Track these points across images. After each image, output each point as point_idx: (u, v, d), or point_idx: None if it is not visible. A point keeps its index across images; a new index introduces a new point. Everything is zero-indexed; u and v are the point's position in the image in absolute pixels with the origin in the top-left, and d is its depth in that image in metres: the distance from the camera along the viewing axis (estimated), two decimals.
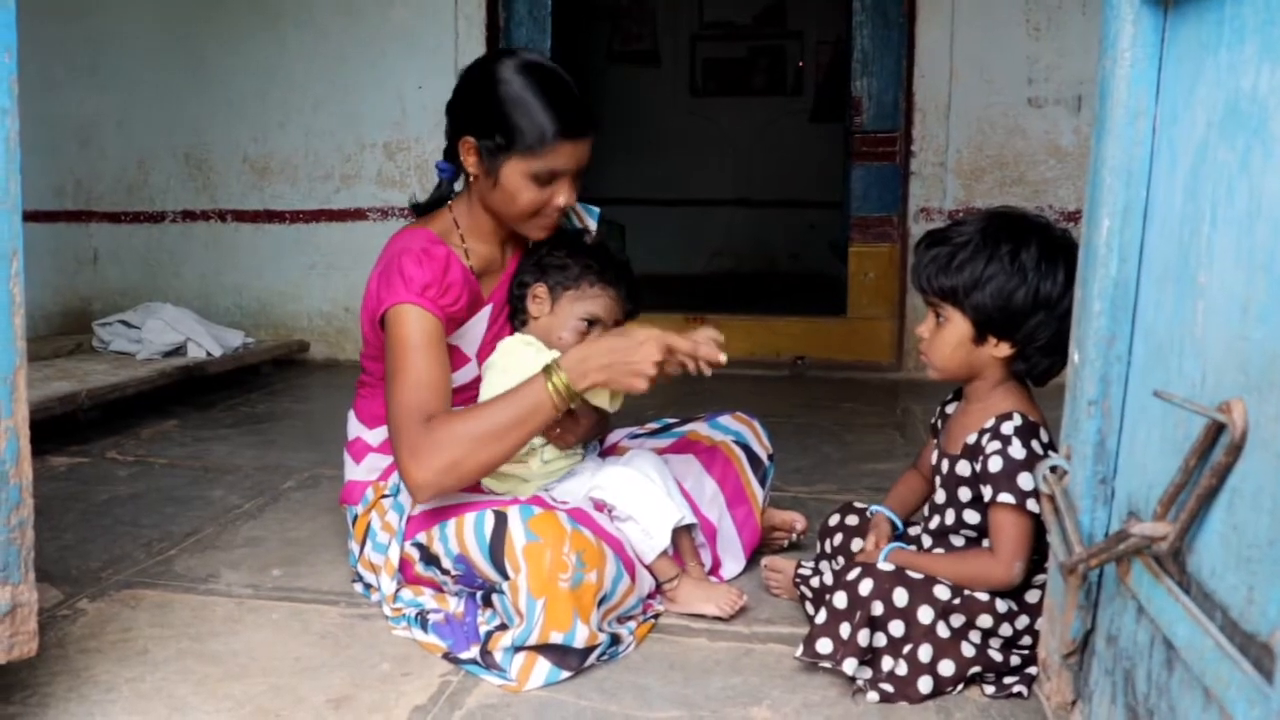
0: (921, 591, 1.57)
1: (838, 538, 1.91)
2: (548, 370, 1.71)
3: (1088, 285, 1.22)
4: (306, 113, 4.83)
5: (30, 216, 4.87)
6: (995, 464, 1.58)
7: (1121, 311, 1.18)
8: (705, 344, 1.74)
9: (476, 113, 1.84)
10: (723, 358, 1.73)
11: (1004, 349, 1.62)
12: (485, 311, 1.97)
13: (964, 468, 1.65)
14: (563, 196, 1.85)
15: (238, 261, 4.98)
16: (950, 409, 1.80)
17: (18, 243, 1.31)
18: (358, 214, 4.77)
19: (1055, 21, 4.28)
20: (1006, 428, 1.59)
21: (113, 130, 5.03)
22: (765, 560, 1.99)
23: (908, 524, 1.88)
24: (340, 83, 4.77)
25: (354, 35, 4.74)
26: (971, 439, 1.64)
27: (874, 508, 1.90)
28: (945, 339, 1.65)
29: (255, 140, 4.90)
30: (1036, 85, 4.34)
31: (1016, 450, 1.57)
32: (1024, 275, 1.57)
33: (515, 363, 1.85)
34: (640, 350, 1.70)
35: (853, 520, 1.92)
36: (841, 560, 1.87)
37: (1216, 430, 0.90)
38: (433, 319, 1.78)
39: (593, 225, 2.11)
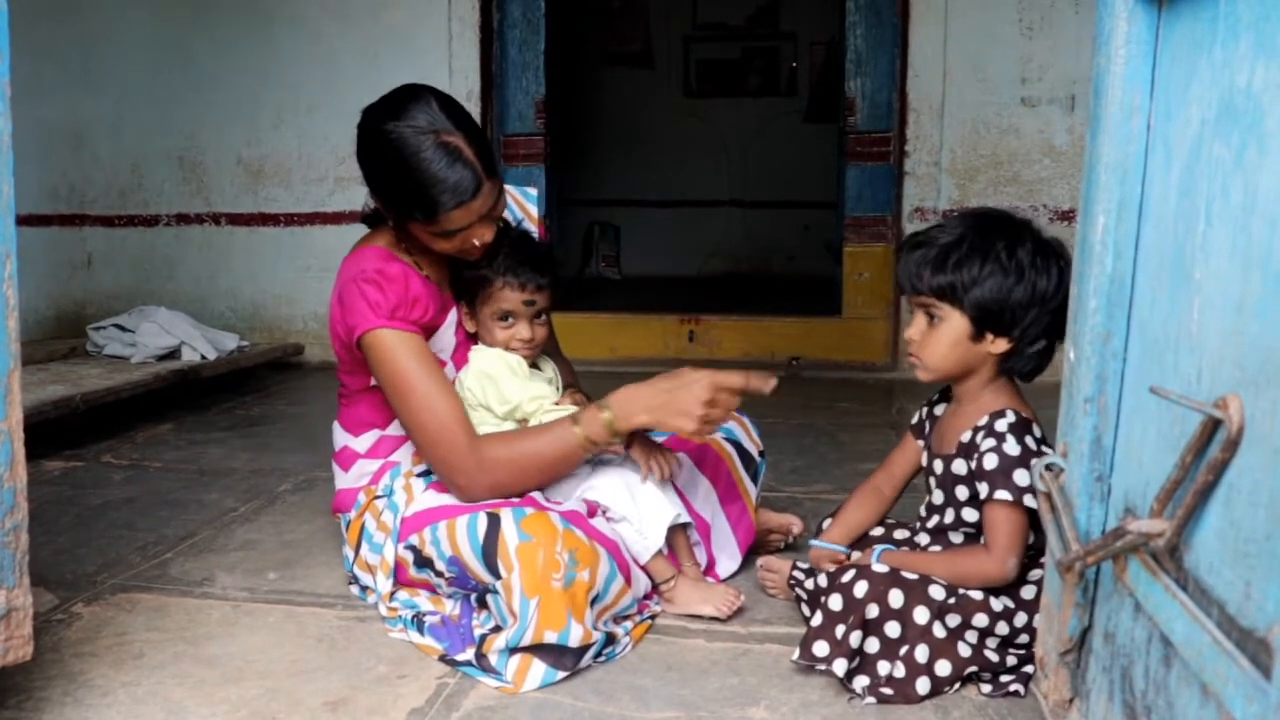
0: (917, 592, 1.57)
1: None
2: (583, 414, 1.79)
3: (1083, 282, 1.22)
4: (300, 115, 4.83)
5: (23, 220, 4.86)
6: (991, 461, 1.58)
7: (1117, 308, 1.19)
8: (756, 377, 1.78)
9: (371, 179, 1.86)
10: (769, 387, 1.77)
11: (1001, 345, 1.63)
12: (452, 316, 1.98)
13: (959, 466, 1.66)
14: (478, 239, 1.84)
15: (232, 265, 4.97)
16: (939, 410, 1.81)
17: (11, 246, 1.31)
18: (352, 216, 4.72)
19: (1048, 20, 4.29)
20: (1000, 425, 1.60)
21: (106, 133, 5.02)
22: (761, 560, 1.99)
23: (891, 527, 1.88)
24: (334, 85, 4.76)
25: (347, 38, 4.74)
26: (966, 437, 1.65)
27: (814, 542, 1.89)
28: (941, 338, 1.65)
29: (249, 143, 4.90)
30: (1030, 85, 4.34)
31: (1011, 447, 1.57)
32: (1021, 271, 1.59)
33: (492, 371, 1.91)
34: (688, 391, 1.75)
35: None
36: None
37: (1213, 426, 0.90)
38: (412, 336, 1.82)
39: (533, 209, 2.14)
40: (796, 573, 1.88)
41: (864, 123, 4.71)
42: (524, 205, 2.14)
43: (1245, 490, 0.86)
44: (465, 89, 4.58)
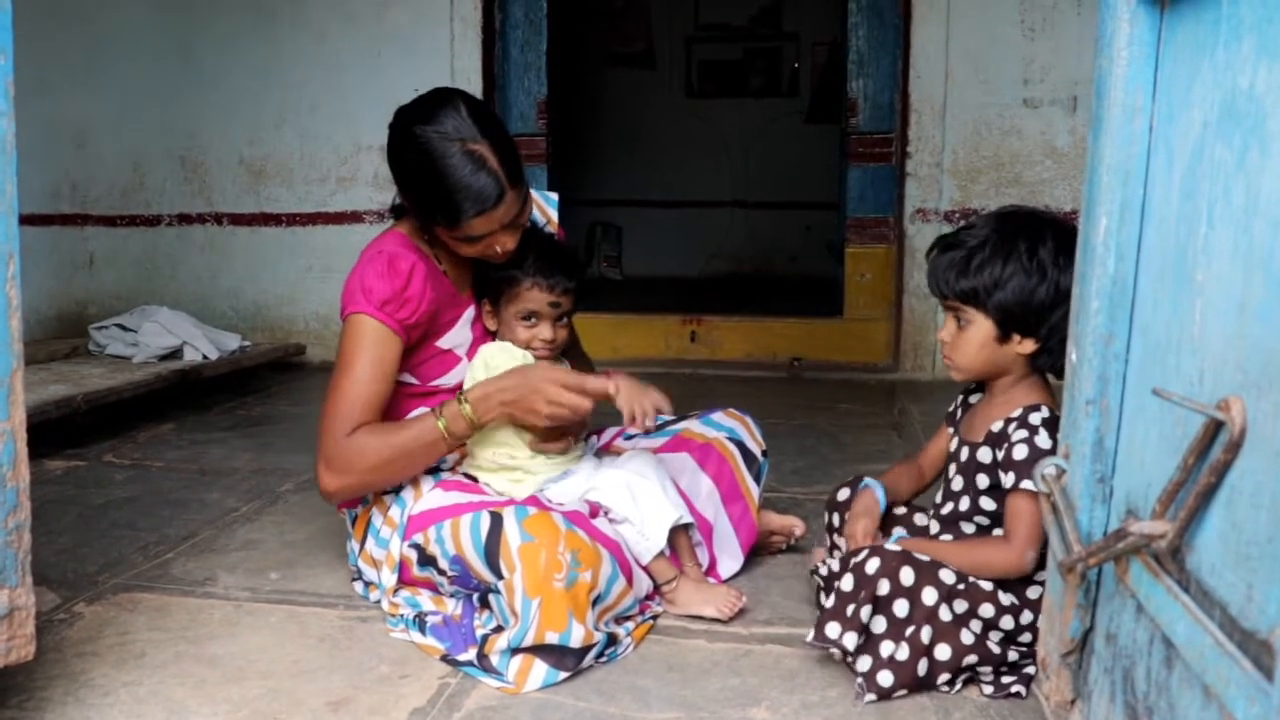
0: (928, 573, 1.58)
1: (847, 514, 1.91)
2: (445, 407, 1.82)
3: (1085, 283, 1.22)
4: (303, 115, 4.83)
5: (26, 220, 4.86)
6: (1020, 451, 1.59)
7: (1119, 310, 1.19)
8: (596, 384, 1.82)
9: (398, 177, 1.87)
10: (587, 405, 1.82)
11: (1028, 345, 1.64)
12: (470, 313, 1.99)
13: (985, 454, 1.66)
14: (500, 246, 1.85)
15: (234, 264, 4.97)
16: (973, 399, 1.81)
17: (14, 245, 1.31)
18: (354, 216, 4.77)
19: (1050, 22, 4.29)
20: (1035, 418, 1.61)
21: (108, 133, 5.02)
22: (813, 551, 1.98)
23: (913, 510, 1.88)
24: (336, 85, 4.77)
25: (350, 38, 4.74)
26: (997, 426, 1.65)
27: (867, 480, 1.89)
28: (969, 340, 1.67)
29: (251, 143, 4.90)
30: (1032, 86, 4.34)
31: (1044, 440, 1.58)
32: (1044, 271, 1.60)
33: (497, 364, 1.91)
34: (536, 396, 1.79)
35: None
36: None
37: (1215, 428, 0.90)
38: (388, 332, 1.84)
39: (553, 213, 2.16)
40: (822, 566, 1.86)
41: (866, 124, 4.72)
42: (545, 210, 2.15)
43: (1247, 492, 0.86)
44: (467, 89, 4.57)
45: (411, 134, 1.80)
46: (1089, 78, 1.24)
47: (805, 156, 7.95)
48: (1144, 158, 1.15)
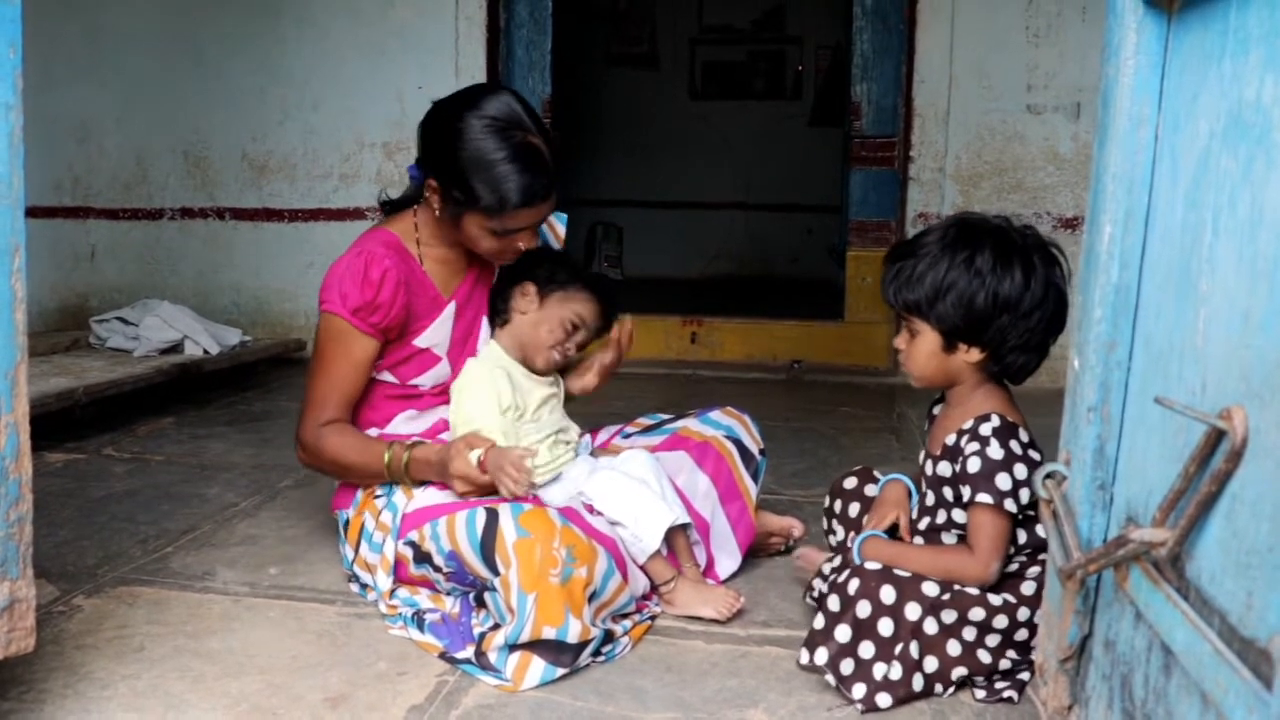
0: (909, 588, 1.57)
1: (854, 507, 1.91)
2: (394, 447, 1.89)
3: (1088, 291, 1.23)
4: (306, 111, 4.83)
5: (28, 212, 4.83)
6: (974, 464, 1.59)
7: (1122, 318, 1.19)
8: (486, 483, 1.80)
9: (440, 162, 1.88)
10: (485, 482, 1.81)
11: (975, 354, 1.64)
12: (449, 311, 2.01)
13: (944, 468, 1.67)
14: (523, 243, 1.91)
15: (235, 259, 4.97)
16: (936, 410, 1.82)
17: (20, 238, 1.32)
18: (356, 213, 4.77)
19: (1055, 28, 4.29)
20: (985, 429, 1.60)
21: (112, 127, 5.02)
22: (799, 550, 1.98)
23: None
24: (340, 81, 4.77)
25: (354, 34, 4.74)
26: (951, 440, 1.65)
27: (892, 475, 1.88)
28: (919, 350, 1.67)
29: (254, 138, 4.90)
30: (1035, 92, 4.35)
31: (995, 451, 1.58)
32: (981, 279, 1.58)
33: (471, 392, 1.95)
34: (450, 477, 1.82)
35: (871, 490, 1.91)
36: (850, 533, 1.88)
37: (1217, 437, 0.90)
38: (360, 334, 1.91)
39: (561, 231, 2.20)
40: (817, 580, 1.86)
41: (869, 127, 4.72)
42: (554, 226, 2.18)
43: (1248, 501, 0.86)
44: None
45: (468, 121, 1.83)
46: (1093, 85, 1.25)
47: (807, 159, 7.96)
48: (1149, 167, 1.16)
